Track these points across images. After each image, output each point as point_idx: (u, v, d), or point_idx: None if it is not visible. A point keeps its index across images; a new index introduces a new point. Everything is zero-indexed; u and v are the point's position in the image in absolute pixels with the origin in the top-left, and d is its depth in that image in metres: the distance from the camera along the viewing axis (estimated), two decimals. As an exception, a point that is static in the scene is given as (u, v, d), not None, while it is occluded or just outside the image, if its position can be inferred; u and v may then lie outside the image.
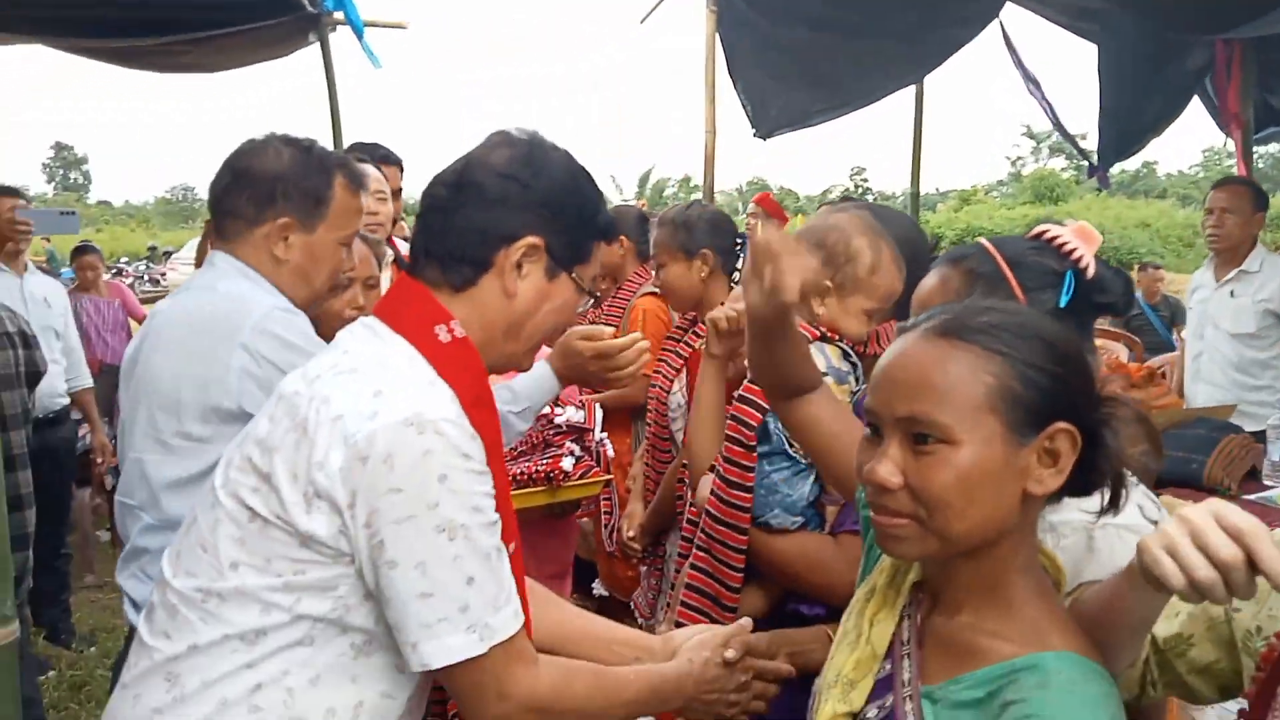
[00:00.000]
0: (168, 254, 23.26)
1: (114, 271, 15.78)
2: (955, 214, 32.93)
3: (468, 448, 1.16)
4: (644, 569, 2.62)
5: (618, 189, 37.60)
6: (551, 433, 2.22)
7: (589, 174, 1.36)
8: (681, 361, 2.67)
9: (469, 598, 1.14)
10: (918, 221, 5.84)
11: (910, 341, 1.02)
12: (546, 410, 2.22)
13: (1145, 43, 4.86)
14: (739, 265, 2.68)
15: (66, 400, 4.13)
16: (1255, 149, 5.37)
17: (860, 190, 46.66)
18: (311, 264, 1.75)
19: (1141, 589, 0.90)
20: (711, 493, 1.72)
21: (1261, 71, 5.11)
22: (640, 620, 2.66)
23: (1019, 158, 48.59)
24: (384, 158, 3.18)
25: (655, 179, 38.57)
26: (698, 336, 2.67)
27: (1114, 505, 1.01)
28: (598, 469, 2.26)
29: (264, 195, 1.70)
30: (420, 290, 1.27)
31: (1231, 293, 3.83)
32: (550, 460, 2.16)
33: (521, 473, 2.12)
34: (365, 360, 1.21)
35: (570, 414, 2.25)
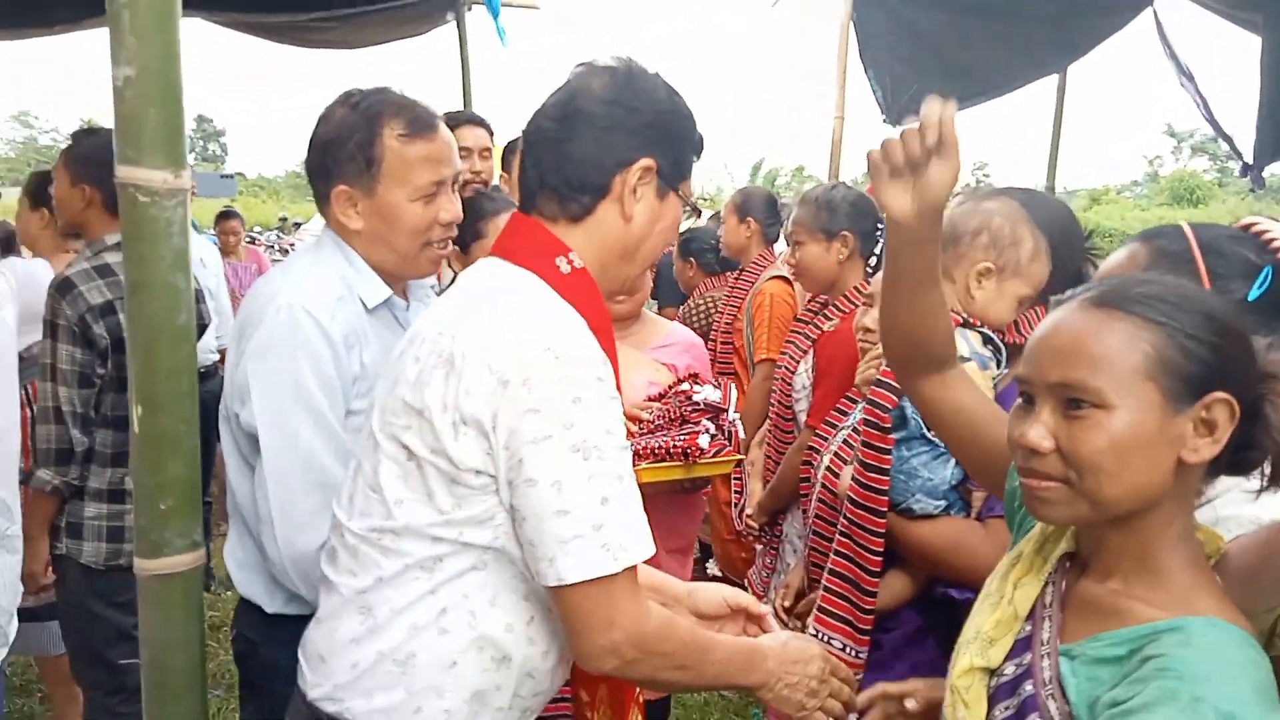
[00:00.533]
0: (297, 225, 24.31)
1: (249, 240, 16.59)
2: (1084, 213, 31.56)
3: (601, 372, 1.19)
4: (759, 548, 2.62)
5: (730, 176, 37.44)
6: (689, 409, 2.23)
7: (675, 90, 1.36)
8: (809, 344, 2.65)
9: (604, 516, 1.16)
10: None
11: (1066, 311, 1.03)
12: (686, 387, 2.26)
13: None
14: (878, 250, 2.63)
15: (217, 356, 4.36)
16: None
17: (982, 187, 45.20)
18: (386, 227, 1.63)
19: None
20: (852, 479, 1.71)
21: None
22: (750, 592, 2.67)
23: (1157, 156, 46.23)
24: (469, 119, 3.25)
25: (767, 168, 38.14)
26: (826, 319, 2.65)
27: (1275, 482, 1.00)
28: (730, 448, 2.26)
29: (320, 166, 1.64)
30: (535, 225, 1.30)
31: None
32: (688, 436, 2.16)
33: (660, 446, 2.14)
34: (498, 294, 1.26)
35: (708, 393, 2.24)
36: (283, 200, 43.52)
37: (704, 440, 2.14)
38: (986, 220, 1.69)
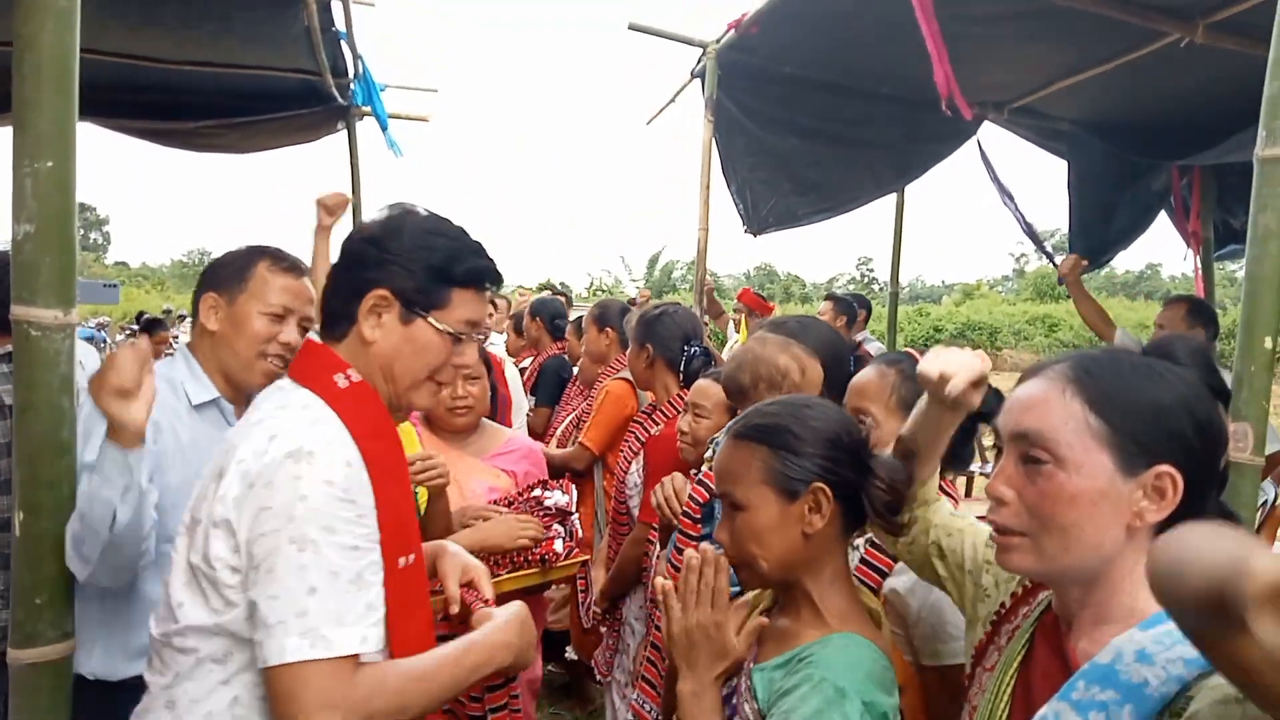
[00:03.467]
0: (182, 317, 23.70)
1: (129, 333, 16.14)
2: (957, 308, 33.42)
3: (335, 475, 1.27)
4: (603, 629, 2.84)
5: (627, 269, 38.33)
6: (541, 514, 2.38)
7: (451, 232, 1.46)
8: (640, 445, 2.93)
9: (308, 605, 1.23)
10: (896, 316, 6.19)
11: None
12: (538, 493, 2.43)
13: (1109, 163, 5.20)
14: (682, 367, 2.96)
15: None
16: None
17: (866, 279, 47.34)
18: (234, 332, 1.97)
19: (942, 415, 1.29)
20: (667, 560, 1.98)
21: (1221, 193, 5.47)
22: (599, 678, 2.87)
23: (1023, 255, 49.33)
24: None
25: (664, 261, 39.25)
26: (655, 424, 2.96)
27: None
28: (578, 550, 2.44)
29: (201, 278, 2.05)
30: (321, 347, 1.44)
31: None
32: (545, 544, 2.31)
33: (518, 554, 2.28)
34: (269, 412, 1.36)
35: (557, 498, 2.40)
36: (168, 290, 42.29)
37: (559, 545, 2.34)
38: (756, 368, 2.05)
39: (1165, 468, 1.04)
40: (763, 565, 1.36)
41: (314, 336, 1.49)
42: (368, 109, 5.28)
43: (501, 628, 1.45)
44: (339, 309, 1.43)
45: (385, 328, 1.42)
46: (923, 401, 1.35)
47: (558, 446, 3.99)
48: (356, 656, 1.26)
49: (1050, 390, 1.09)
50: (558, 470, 3.35)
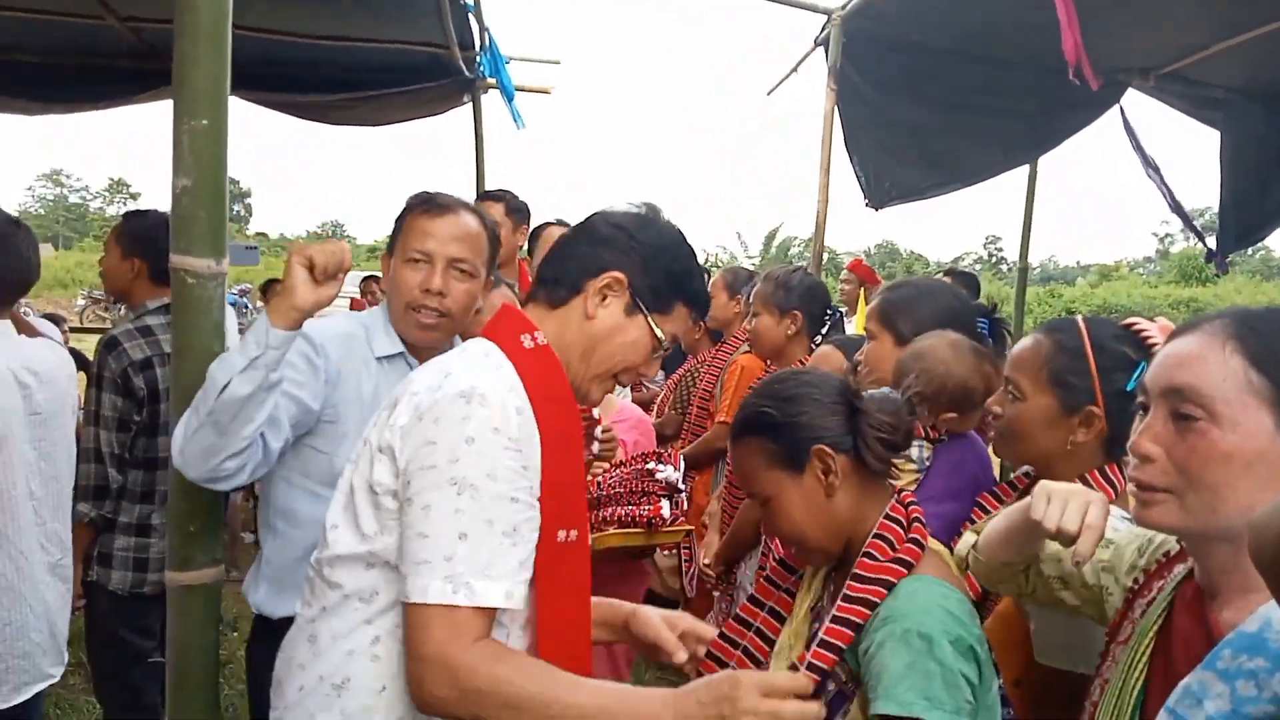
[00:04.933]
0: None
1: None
2: (1093, 289, 31.79)
3: (503, 423, 1.25)
4: (716, 594, 2.87)
5: (743, 245, 38.08)
6: (650, 484, 2.45)
7: (693, 251, 1.51)
8: None
9: (456, 550, 1.21)
10: (1024, 295, 5.94)
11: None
12: (651, 466, 2.49)
13: (1270, 132, 4.85)
14: (823, 331, 2.93)
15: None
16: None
17: (994, 259, 45.57)
18: (391, 291, 1.97)
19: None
20: None
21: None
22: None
23: (1168, 235, 46.58)
24: (487, 195, 3.67)
25: (781, 238, 38.78)
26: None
27: None
28: (683, 519, 2.49)
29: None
30: (513, 310, 1.44)
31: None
32: (652, 507, 2.38)
33: (626, 514, 2.35)
34: (451, 357, 1.39)
35: (669, 473, 2.45)
36: (305, 258, 44.19)
37: (666, 510, 2.39)
38: (945, 383, 2.00)
39: None
40: (810, 540, 1.44)
41: (510, 298, 1.52)
42: (493, 81, 5.39)
43: (684, 701, 1.20)
44: (568, 278, 1.43)
45: (608, 310, 1.42)
46: (1019, 519, 1.30)
47: (656, 416, 4.02)
48: (495, 611, 1.23)
49: (1208, 345, 1.05)
50: (703, 455, 3.38)
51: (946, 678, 1.25)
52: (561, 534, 1.32)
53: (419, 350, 1.94)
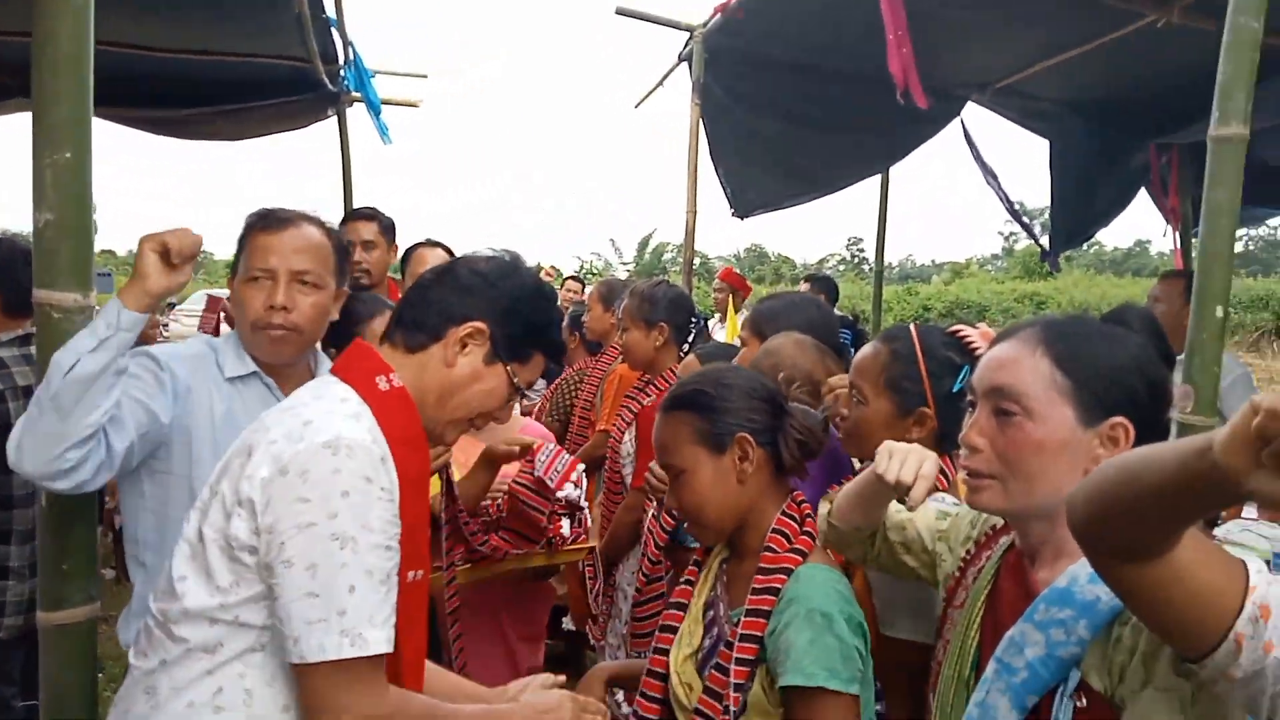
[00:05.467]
0: (171, 305, 23.59)
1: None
2: (946, 286, 33.55)
3: (374, 473, 1.27)
4: (597, 608, 2.95)
5: (617, 252, 38.39)
6: (552, 505, 2.46)
7: (553, 301, 1.56)
8: (633, 416, 3.04)
9: (348, 604, 1.23)
10: (882, 295, 6.28)
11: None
12: (552, 484, 2.48)
13: (1091, 142, 5.29)
14: (689, 340, 3.06)
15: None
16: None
17: (856, 259, 47.48)
18: (236, 310, 1.93)
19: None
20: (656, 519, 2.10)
21: (1199, 171, 5.53)
22: (594, 642, 2.99)
23: (1012, 233, 49.44)
24: (356, 214, 3.62)
25: (655, 244, 39.26)
26: (648, 395, 3.06)
27: None
28: (584, 537, 2.52)
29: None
30: (368, 349, 1.44)
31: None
32: (553, 526, 2.40)
33: (526, 537, 2.36)
34: (305, 400, 1.37)
35: (570, 491, 2.46)
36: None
37: (566, 529, 2.43)
38: (792, 374, 2.09)
39: (1119, 420, 1.17)
40: (710, 517, 1.57)
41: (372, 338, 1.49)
42: (358, 95, 5.32)
43: (522, 712, 1.49)
44: (428, 324, 1.44)
45: (468, 358, 1.44)
46: (867, 480, 1.48)
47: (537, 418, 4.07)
48: (384, 657, 1.27)
49: (1022, 350, 1.22)
50: (587, 463, 3.42)
51: (844, 651, 1.41)
52: (410, 574, 1.36)
53: (274, 369, 1.93)
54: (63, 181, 1.50)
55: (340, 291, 2.00)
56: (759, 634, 1.47)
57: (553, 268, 4.85)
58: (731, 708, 1.44)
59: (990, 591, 1.28)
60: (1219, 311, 1.82)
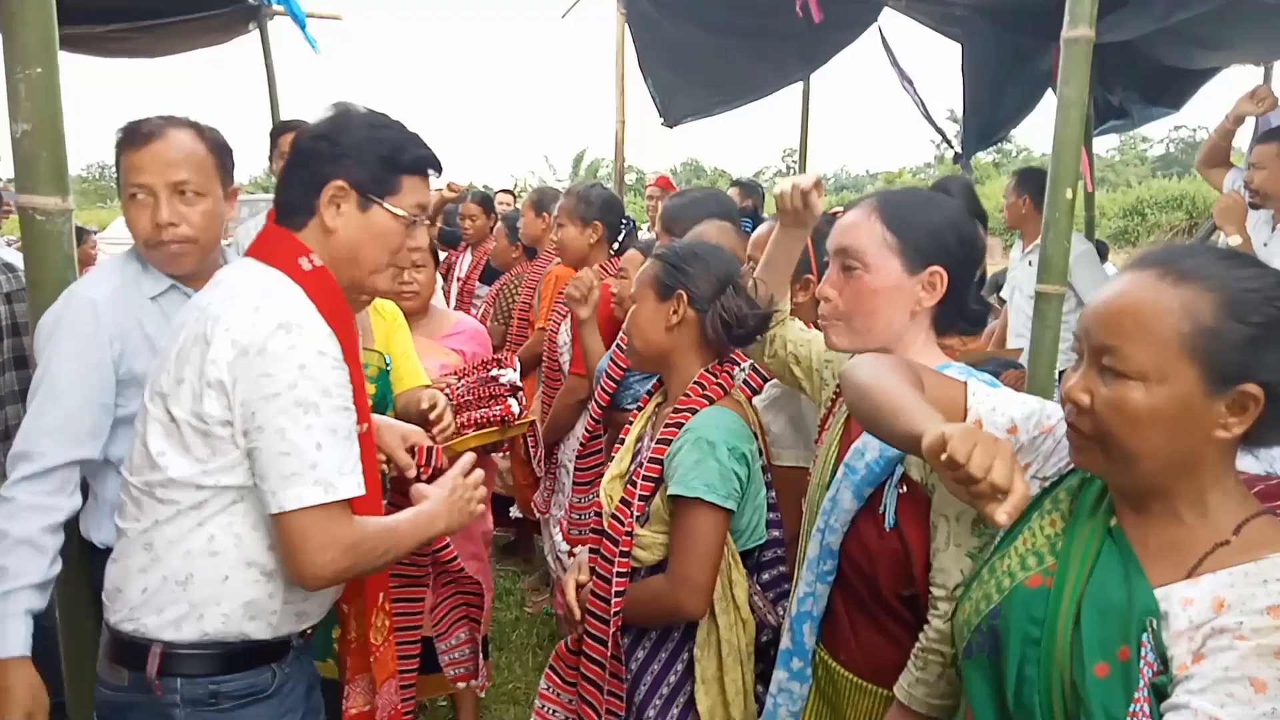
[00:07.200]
0: (91, 232, 22.77)
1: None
2: (878, 195, 33.95)
3: (324, 346, 1.44)
4: (541, 473, 3.24)
5: (551, 168, 37.93)
6: (495, 388, 2.64)
7: (393, 125, 1.58)
8: (567, 310, 3.23)
9: (318, 458, 1.41)
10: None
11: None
12: (495, 373, 2.69)
13: (1000, 45, 5.50)
14: (620, 240, 3.29)
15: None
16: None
17: (791, 170, 47.68)
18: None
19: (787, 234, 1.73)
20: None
21: (1102, 72, 5.84)
22: (538, 515, 3.28)
23: (943, 142, 49.89)
24: (284, 126, 3.59)
25: (589, 159, 38.85)
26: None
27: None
28: (526, 412, 2.75)
29: None
30: (284, 232, 1.54)
31: (1030, 263, 4.54)
32: (502, 408, 2.61)
33: (481, 416, 2.57)
34: (246, 286, 1.48)
35: (509, 374, 2.68)
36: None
37: (515, 408, 2.66)
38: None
39: (936, 268, 1.49)
40: (638, 344, 1.89)
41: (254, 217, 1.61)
42: (280, 8, 5.24)
43: (433, 502, 1.66)
44: (297, 202, 1.53)
45: (345, 216, 1.53)
46: (776, 229, 1.75)
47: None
48: (352, 501, 1.45)
49: (860, 216, 1.54)
50: (528, 359, 3.66)
51: (722, 472, 1.71)
52: (360, 426, 1.53)
53: (186, 277, 1.90)
54: (35, 94, 1.63)
55: (232, 190, 1.94)
56: (661, 457, 1.78)
57: (451, 184, 4.88)
58: (634, 513, 1.77)
59: (848, 418, 1.59)
60: (1069, 193, 2.10)
